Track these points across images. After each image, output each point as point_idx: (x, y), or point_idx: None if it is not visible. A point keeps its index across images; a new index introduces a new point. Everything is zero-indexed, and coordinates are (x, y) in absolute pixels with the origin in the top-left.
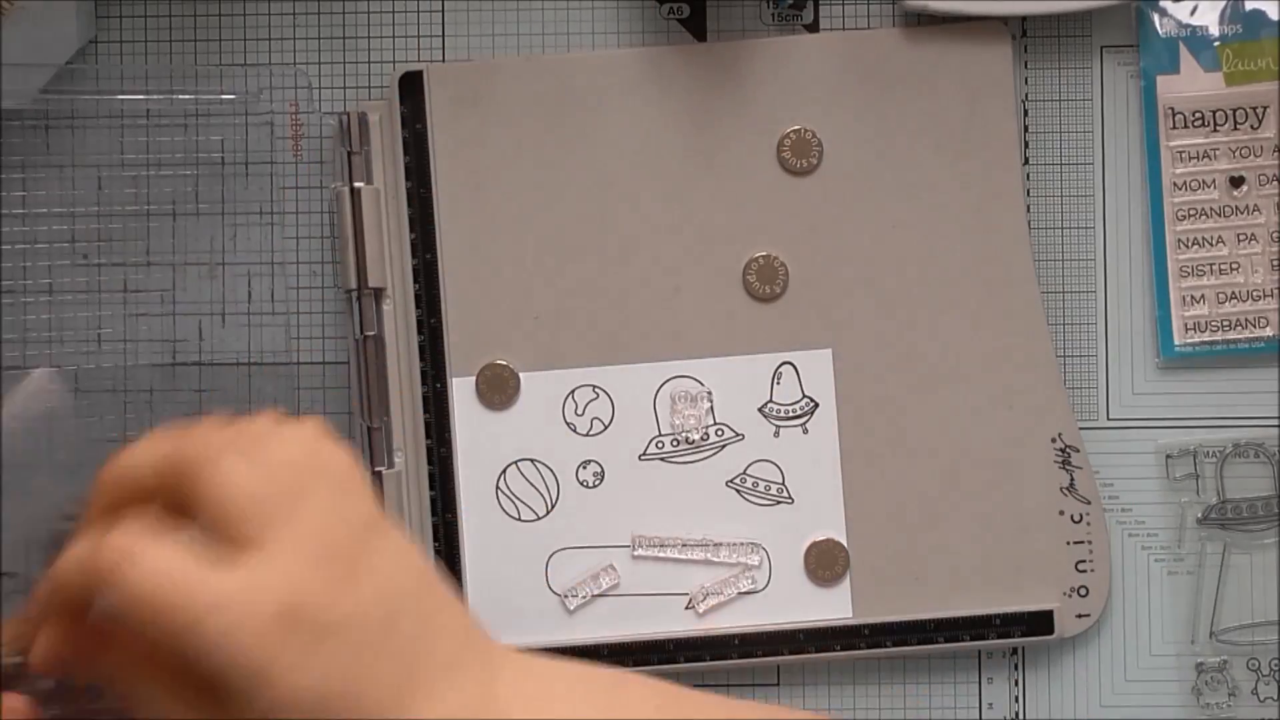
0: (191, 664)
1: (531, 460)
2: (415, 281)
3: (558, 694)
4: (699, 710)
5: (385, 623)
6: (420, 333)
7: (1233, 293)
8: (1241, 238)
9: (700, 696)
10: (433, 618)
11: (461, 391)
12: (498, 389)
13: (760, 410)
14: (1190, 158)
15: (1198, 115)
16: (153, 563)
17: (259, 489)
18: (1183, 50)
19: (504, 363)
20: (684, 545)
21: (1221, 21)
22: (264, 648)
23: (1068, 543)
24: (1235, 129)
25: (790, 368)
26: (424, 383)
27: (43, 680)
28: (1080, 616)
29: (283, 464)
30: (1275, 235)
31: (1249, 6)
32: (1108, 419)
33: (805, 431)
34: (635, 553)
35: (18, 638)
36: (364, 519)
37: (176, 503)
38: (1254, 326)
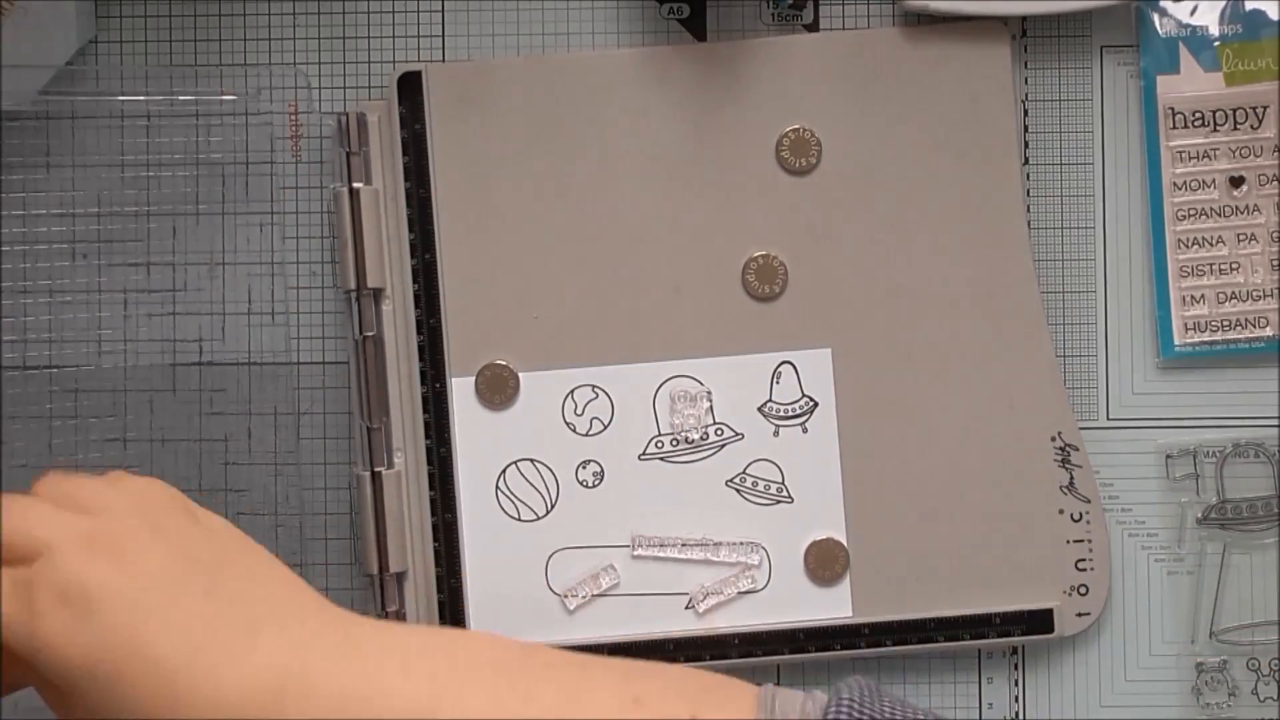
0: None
1: (531, 460)
2: (414, 282)
3: (377, 658)
4: (543, 673)
5: (197, 565)
6: (420, 333)
7: (1233, 293)
8: (1241, 238)
9: (554, 656)
10: (254, 578)
11: (461, 391)
12: (497, 389)
13: (760, 410)
14: (1190, 158)
15: (1198, 115)
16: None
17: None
18: (1183, 50)
19: (503, 362)
20: (684, 545)
21: (1221, 21)
22: (32, 623)
23: (1067, 541)
24: (1235, 129)
25: (790, 367)
26: (424, 383)
27: None
28: (1080, 615)
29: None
30: (1275, 235)
31: (1249, 6)
32: (1108, 419)
33: (805, 431)
34: (635, 552)
35: None
36: (180, 498)
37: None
38: (1254, 326)
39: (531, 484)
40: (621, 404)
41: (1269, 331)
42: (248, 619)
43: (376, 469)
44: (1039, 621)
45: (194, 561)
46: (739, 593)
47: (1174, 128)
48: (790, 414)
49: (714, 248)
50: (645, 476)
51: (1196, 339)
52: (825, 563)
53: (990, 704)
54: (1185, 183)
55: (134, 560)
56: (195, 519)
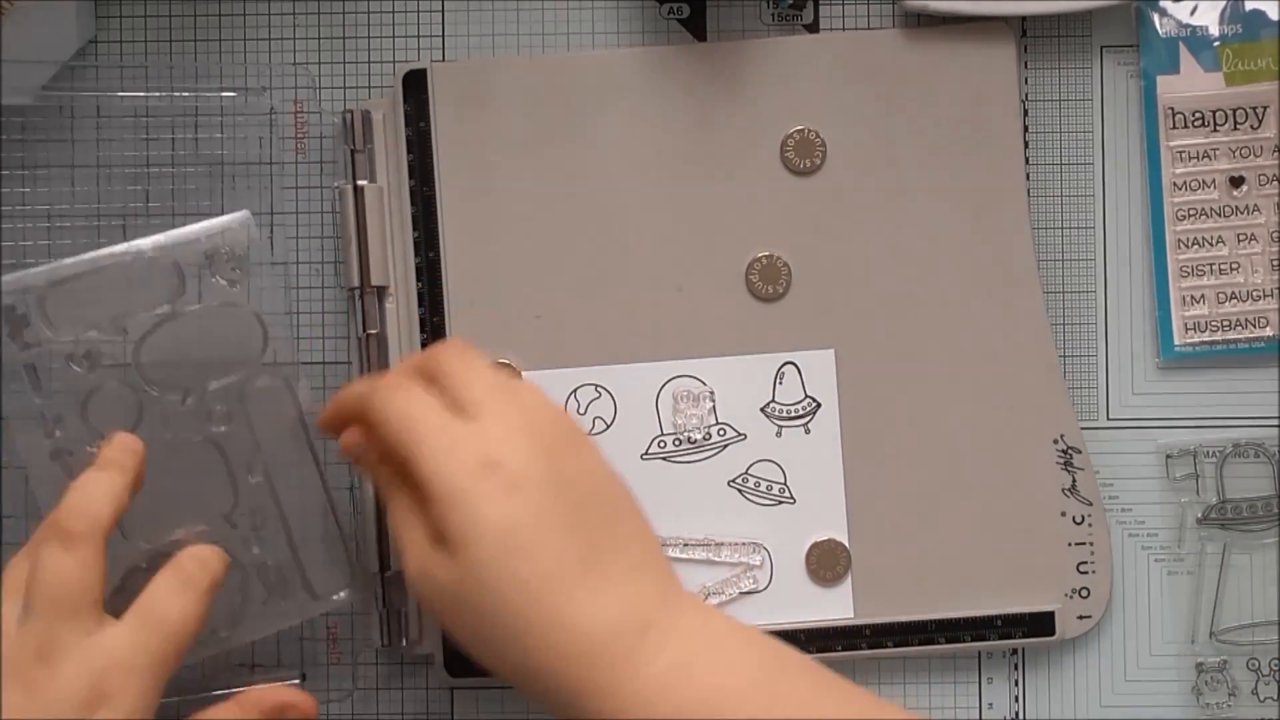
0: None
1: None
2: (418, 280)
3: (723, 648)
4: (848, 701)
5: (575, 503)
6: (423, 331)
7: (1233, 293)
8: (1241, 238)
9: (850, 689)
10: (622, 525)
11: None
12: None
13: (762, 410)
14: (1190, 158)
15: (1198, 115)
16: (404, 397)
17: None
18: (1183, 50)
19: (506, 361)
20: (685, 545)
21: (1221, 21)
22: (463, 478)
23: (1069, 544)
24: (1235, 129)
25: (793, 368)
26: None
27: None
28: (1081, 618)
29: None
30: (1275, 235)
31: (1249, 6)
32: (1108, 419)
33: (807, 431)
34: None
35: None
36: (570, 430)
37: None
38: (1254, 326)
39: None
40: (624, 403)
41: (1269, 331)
42: (631, 560)
43: None
44: (1040, 624)
45: (566, 498)
46: (740, 593)
47: (1174, 128)
48: (793, 414)
49: (717, 247)
50: (647, 476)
51: (1196, 339)
52: (827, 563)
53: (990, 704)
54: (1185, 183)
55: (518, 496)
56: (577, 452)
